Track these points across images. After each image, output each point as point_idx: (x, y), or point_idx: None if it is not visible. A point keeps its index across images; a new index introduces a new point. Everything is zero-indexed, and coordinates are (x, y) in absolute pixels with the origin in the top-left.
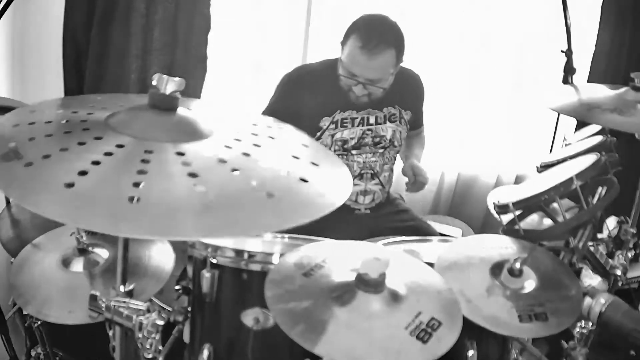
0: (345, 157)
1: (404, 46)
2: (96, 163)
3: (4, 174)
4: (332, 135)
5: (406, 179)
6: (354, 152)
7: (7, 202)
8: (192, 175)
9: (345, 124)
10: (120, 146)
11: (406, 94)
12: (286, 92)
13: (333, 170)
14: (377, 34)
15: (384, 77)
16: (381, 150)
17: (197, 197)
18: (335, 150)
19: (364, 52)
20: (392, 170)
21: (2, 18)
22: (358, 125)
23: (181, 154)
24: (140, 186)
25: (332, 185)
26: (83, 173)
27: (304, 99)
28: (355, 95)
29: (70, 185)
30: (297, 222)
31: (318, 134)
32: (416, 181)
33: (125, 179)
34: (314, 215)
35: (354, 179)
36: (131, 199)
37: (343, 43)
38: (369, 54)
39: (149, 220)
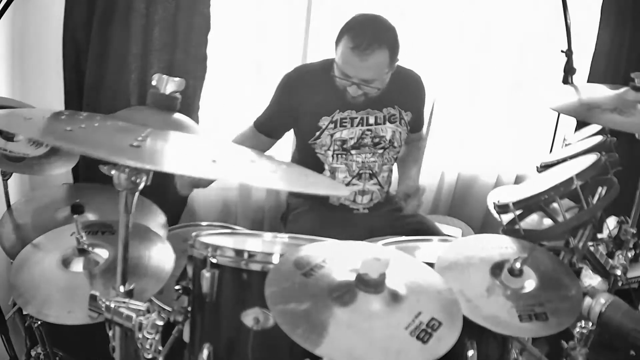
0: (344, 156)
1: (399, 46)
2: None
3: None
4: (332, 135)
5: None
6: (353, 152)
7: (8, 206)
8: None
9: (344, 124)
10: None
11: (406, 95)
12: (285, 93)
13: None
14: (369, 34)
15: (378, 77)
16: (380, 151)
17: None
18: (334, 150)
19: (355, 53)
20: (391, 170)
21: (2, 18)
22: (357, 125)
23: None
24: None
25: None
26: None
27: (303, 98)
28: (350, 96)
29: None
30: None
31: (317, 133)
32: (413, 200)
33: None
34: None
35: (352, 179)
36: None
37: (336, 43)
38: (361, 55)
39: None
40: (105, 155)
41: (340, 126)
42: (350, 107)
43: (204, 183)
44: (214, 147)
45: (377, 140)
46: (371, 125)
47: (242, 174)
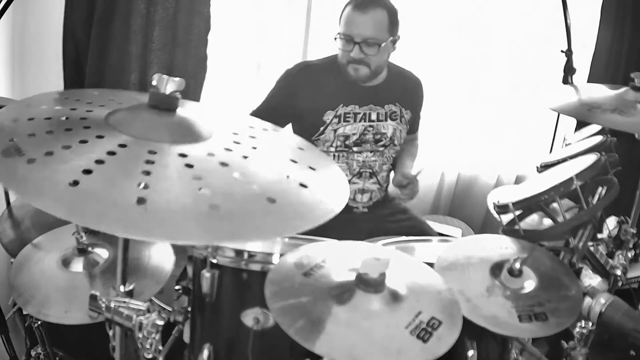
0: (345, 154)
1: (397, 18)
2: (100, 162)
3: (7, 170)
4: (335, 130)
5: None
6: (355, 149)
7: (8, 203)
8: (196, 177)
9: (347, 119)
10: (122, 146)
11: (407, 94)
12: (287, 88)
13: (329, 173)
14: None
15: (379, 37)
16: (381, 149)
17: (203, 200)
18: (336, 147)
19: (356, 9)
20: (390, 170)
21: (2, 18)
22: (360, 121)
23: (183, 155)
24: (145, 189)
25: (330, 190)
26: (87, 172)
27: (307, 93)
28: (353, 66)
29: (75, 183)
30: (299, 228)
31: (321, 128)
32: (408, 188)
33: (130, 181)
34: (315, 222)
35: (352, 177)
36: (139, 201)
37: (340, 17)
38: (361, 10)
39: (156, 225)
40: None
41: (343, 121)
42: (354, 101)
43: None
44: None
45: (378, 137)
46: (373, 121)
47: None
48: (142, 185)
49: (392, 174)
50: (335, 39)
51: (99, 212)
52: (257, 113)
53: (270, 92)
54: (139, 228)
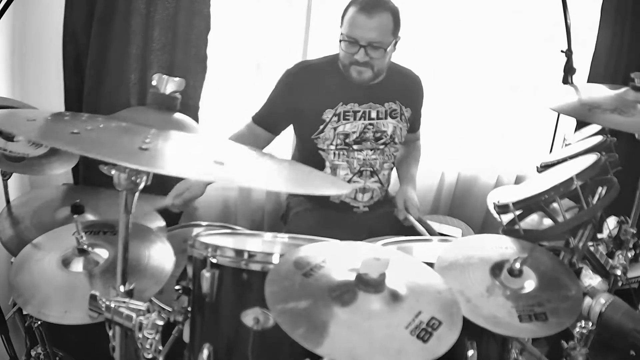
0: (345, 153)
1: (400, 19)
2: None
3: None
4: (335, 129)
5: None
6: (355, 147)
7: (7, 201)
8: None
9: (347, 117)
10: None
11: (407, 92)
12: (287, 88)
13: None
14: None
15: (383, 40)
16: (382, 147)
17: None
18: (337, 145)
19: (362, 12)
20: (391, 168)
21: (2, 18)
22: (360, 119)
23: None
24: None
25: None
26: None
27: (306, 92)
28: (357, 68)
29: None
30: None
31: (321, 127)
32: (404, 213)
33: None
34: None
35: (353, 176)
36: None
37: (342, 18)
38: (368, 14)
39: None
40: (117, 160)
41: (343, 119)
42: (354, 99)
43: (198, 194)
44: (219, 147)
45: (378, 135)
46: (373, 119)
47: (250, 175)
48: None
49: (392, 172)
50: (340, 41)
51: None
52: (259, 115)
53: (271, 93)
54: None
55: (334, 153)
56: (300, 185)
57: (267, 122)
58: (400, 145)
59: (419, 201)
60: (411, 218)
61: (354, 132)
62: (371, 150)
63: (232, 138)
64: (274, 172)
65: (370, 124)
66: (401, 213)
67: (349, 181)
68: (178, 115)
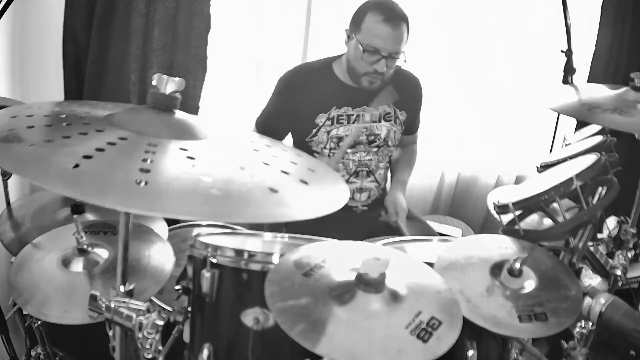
0: (339, 154)
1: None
2: (100, 150)
3: (9, 155)
4: (328, 132)
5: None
6: (349, 150)
7: (8, 203)
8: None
9: (341, 121)
10: (122, 139)
11: (403, 95)
12: (283, 93)
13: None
14: (394, 9)
15: (400, 50)
16: (375, 149)
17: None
18: (330, 148)
19: (387, 23)
20: (387, 168)
21: (2, 18)
22: (354, 122)
23: (184, 149)
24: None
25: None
26: (87, 157)
27: (301, 97)
28: (370, 78)
29: (76, 166)
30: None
31: (314, 130)
32: (392, 218)
33: (131, 165)
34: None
35: (350, 177)
36: (138, 182)
37: (357, 24)
38: (393, 24)
39: (155, 200)
40: (110, 205)
41: (337, 123)
42: (347, 103)
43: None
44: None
45: (372, 138)
46: (367, 122)
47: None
48: (143, 183)
49: (388, 171)
50: (363, 51)
51: (101, 189)
52: (259, 125)
53: (270, 100)
54: (139, 205)
55: (328, 155)
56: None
57: (268, 132)
58: (394, 148)
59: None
60: (400, 225)
61: (347, 135)
62: (365, 152)
63: None
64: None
65: (364, 128)
66: (392, 216)
67: (346, 182)
68: (179, 114)
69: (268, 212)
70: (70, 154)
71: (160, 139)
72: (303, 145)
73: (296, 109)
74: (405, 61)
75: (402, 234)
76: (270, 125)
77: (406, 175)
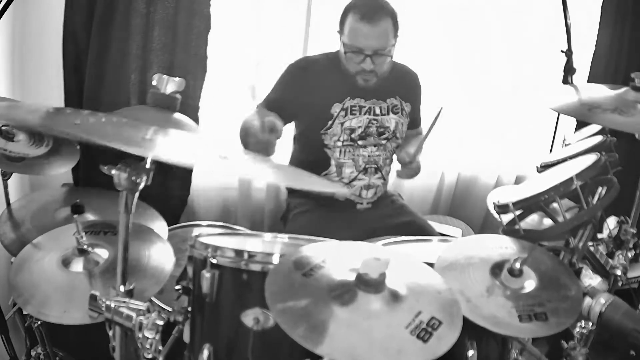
0: (351, 150)
1: (398, 21)
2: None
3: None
4: (342, 124)
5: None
6: (360, 142)
7: (8, 203)
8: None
9: (354, 112)
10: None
11: (405, 87)
12: (292, 81)
13: None
14: (372, 5)
15: (387, 45)
16: (384, 142)
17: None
18: (343, 141)
19: (364, 21)
20: (391, 163)
21: (2, 18)
22: (365, 114)
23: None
24: None
25: None
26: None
27: (313, 86)
28: (363, 75)
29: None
30: None
31: (329, 122)
32: (408, 167)
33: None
34: None
35: (358, 174)
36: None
37: (342, 24)
38: (370, 22)
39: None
40: (124, 147)
41: (350, 114)
42: (360, 94)
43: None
44: (221, 143)
45: (381, 130)
46: (377, 115)
47: (251, 169)
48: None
49: (391, 168)
50: (345, 52)
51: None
52: (269, 100)
53: (275, 86)
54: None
55: (340, 150)
56: (303, 180)
57: (278, 106)
58: (400, 140)
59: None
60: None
61: (359, 127)
62: (374, 146)
63: (245, 124)
64: (274, 168)
65: (375, 119)
66: (402, 152)
67: (354, 179)
68: (177, 115)
69: None
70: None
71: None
72: (315, 139)
73: (311, 97)
74: (391, 57)
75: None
76: (281, 102)
77: (415, 146)
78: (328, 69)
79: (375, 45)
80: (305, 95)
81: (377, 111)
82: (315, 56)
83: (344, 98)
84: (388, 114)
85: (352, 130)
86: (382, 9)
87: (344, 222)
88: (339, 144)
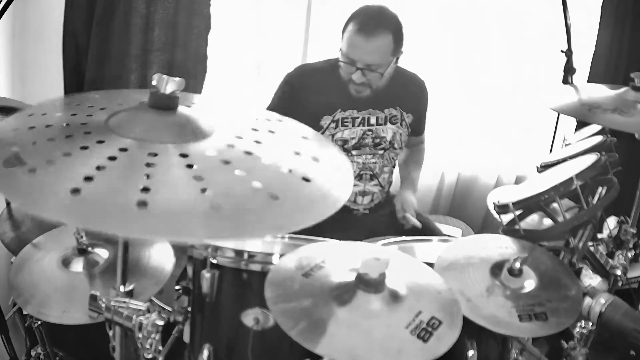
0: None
1: (402, 35)
2: (101, 168)
3: (8, 181)
4: (333, 135)
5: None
6: (354, 152)
7: (8, 203)
8: (198, 178)
9: (345, 124)
10: (123, 150)
11: (409, 97)
12: (287, 92)
13: (333, 164)
14: (374, 18)
15: (382, 62)
16: (381, 152)
17: (205, 200)
18: None
19: (361, 34)
20: (391, 172)
21: (2, 18)
22: (359, 125)
23: (185, 155)
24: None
25: (334, 183)
26: (88, 179)
27: (305, 98)
28: (355, 86)
29: (76, 190)
30: (302, 224)
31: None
32: (404, 217)
33: (131, 184)
34: (318, 217)
35: (353, 180)
36: (139, 204)
37: (343, 32)
38: (366, 36)
39: (158, 224)
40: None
41: (341, 126)
42: (353, 106)
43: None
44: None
45: (377, 140)
46: (372, 125)
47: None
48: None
49: (392, 175)
50: (338, 61)
51: (101, 216)
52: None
53: (273, 97)
54: (141, 229)
55: None
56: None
57: None
58: (400, 150)
59: (418, 202)
60: (409, 216)
61: (352, 138)
62: (370, 154)
63: None
64: None
65: (370, 130)
66: (399, 213)
67: None
68: (181, 110)
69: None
70: (71, 178)
71: (161, 145)
72: None
73: (300, 109)
74: (382, 74)
75: (415, 227)
76: None
77: (415, 174)
78: (324, 78)
79: (369, 60)
80: (296, 107)
81: (373, 121)
82: (314, 64)
83: (334, 110)
84: (385, 124)
85: (345, 142)
86: (383, 23)
87: (343, 222)
88: (330, 143)
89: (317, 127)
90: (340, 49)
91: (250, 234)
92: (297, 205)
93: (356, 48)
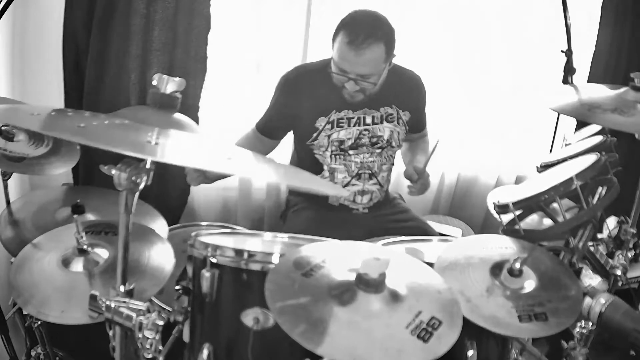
0: (342, 157)
1: (394, 40)
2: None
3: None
4: (329, 136)
5: (408, 182)
6: (351, 152)
7: (7, 202)
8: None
9: (341, 124)
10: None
11: (405, 95)
12: (283, 95)
13: None
14: (364, 29)
15: (375, 71)
16: (378, 151)
17: None
18: (332, 151)
19: (351, 48)
20: (390, 170)
21: (2, 18)
22: (354, 125)
23: None
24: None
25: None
26: None
27: (300, 100)
28: (348, 93)
29: None
30: None
31: (314, 134)
32: (418, 183)
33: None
34: None
35: (351, 179)
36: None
37: (333, 40)
38: (357, 50)
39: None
40: (130, 152)
41: (337, 126)
42: (348, 106)
43: (212, 178)
44: (223, 145)
45: (374, 140)
46: (368, 125)
47: (254, 170)
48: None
49: (392, 173)
50: (330, 72)
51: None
52: (263, 121)
53: (272, 100)
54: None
55: (331, 157)
56: (302, 179)
57: (268, 129)
58: (398, 148)
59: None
60: (418, 165)
61: (349, 139)
62: (368, 154)
63: (239, 142)
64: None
65: (366, 130)
66: (408, 171)
67: (347, 184)
68: (177, 115)
69: None
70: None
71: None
72: (305, 148)
73: (295, 111)
74: (375, 84)
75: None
76: (271, 121)
77: (421, 157)
78: (319, 79)
79: (361, 71)
80: (291, 110)
81: (368, 120)
82: (310, 64)
83: (329, 111)
84: (381, 122)
85: (342, 142)
86: (374, 34)
87: (343, 222)
88: (327, 153)
89: (312, 128)
90: (332, 58)
91: None
92: None
93: (347, 61)
